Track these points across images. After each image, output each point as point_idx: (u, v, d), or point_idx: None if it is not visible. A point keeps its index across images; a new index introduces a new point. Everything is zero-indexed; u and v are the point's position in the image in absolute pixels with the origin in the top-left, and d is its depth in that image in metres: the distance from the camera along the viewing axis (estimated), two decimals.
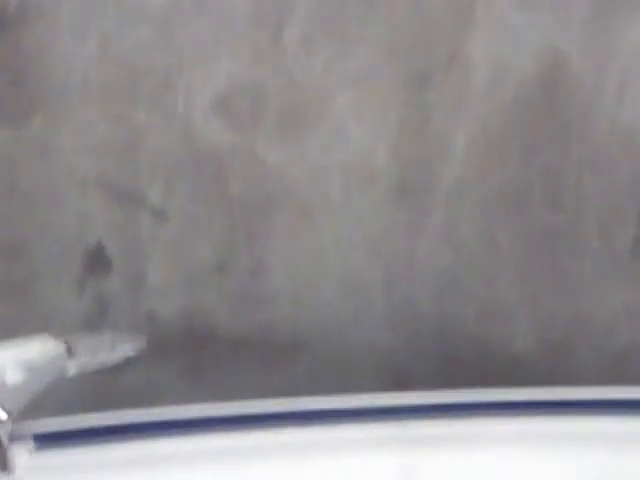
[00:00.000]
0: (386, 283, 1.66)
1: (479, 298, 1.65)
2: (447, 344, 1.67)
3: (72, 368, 1.20)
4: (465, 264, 1.64)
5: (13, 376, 1.13)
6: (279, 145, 1.63)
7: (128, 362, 1.52)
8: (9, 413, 0.89)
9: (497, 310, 1.65)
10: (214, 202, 1.66)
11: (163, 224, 1.70)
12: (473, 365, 1.66)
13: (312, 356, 1.69)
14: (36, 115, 1.66)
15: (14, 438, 0.90)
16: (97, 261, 1.71)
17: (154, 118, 1.65)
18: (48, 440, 0.95)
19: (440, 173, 1.62)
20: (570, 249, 1.61)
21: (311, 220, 1.66)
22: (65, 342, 1.33)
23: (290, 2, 1.62)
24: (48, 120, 1.66)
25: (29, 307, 1.70)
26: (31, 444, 0.92)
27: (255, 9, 1.63)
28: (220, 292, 1.70)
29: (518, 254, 1.63)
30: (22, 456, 0.90)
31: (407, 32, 1.62)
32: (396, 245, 1.66)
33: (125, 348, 1.48)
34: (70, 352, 1.24)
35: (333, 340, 1.68)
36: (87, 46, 1.63)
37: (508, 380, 1.66)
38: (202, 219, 1.67)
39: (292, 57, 1.63)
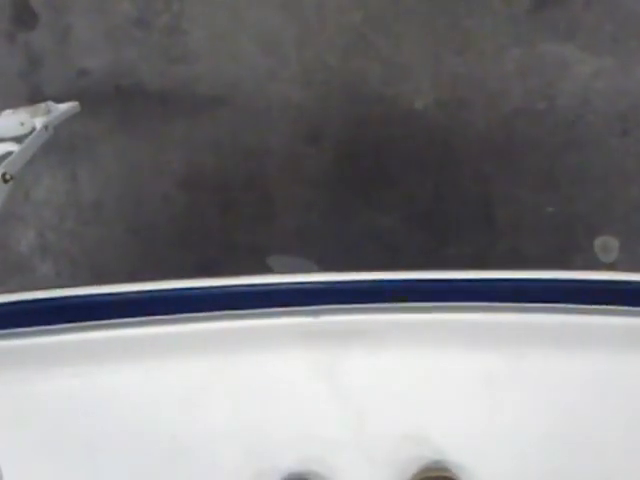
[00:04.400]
0: (298, 40, 1.74)
1: (385, 57, 1.73)
2: (355, 101, 1.78)
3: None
4: (372, 22, 1.70)
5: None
6: None
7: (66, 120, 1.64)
8: None
9: (401, 69, 1.74)
10: None
11: None
12: (378, 121, 1.79)
13: (232, 109, 1.81)
14: None
15: None
16: (23, 15, 1.78)
17: None
18: None
19: None
20: (471, 8, 1.67)
21: None
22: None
23: None
24: None
25: None
26: None
27: None
28: (143, 48, 1.79)
29: (422, 12, 1.69)
30: None
31: None
32: (307, 2, 1.71)
33: (62, 109, 1.59)
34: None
35: (251, 95, 1.80)
36: None
37: (410, 135, 1.81)
38: None
39: None
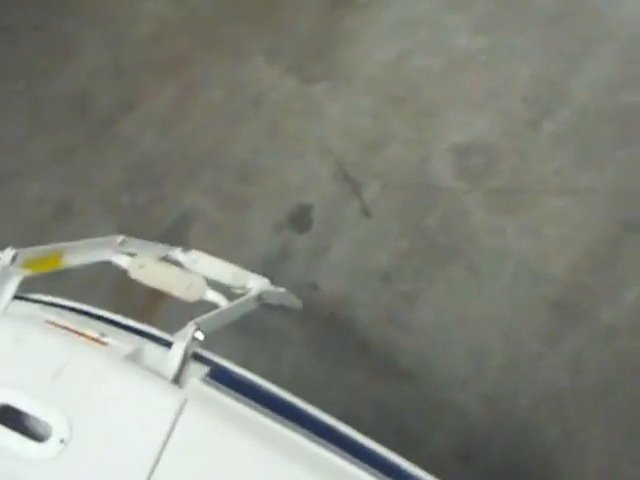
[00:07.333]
0: (504, 365, 1.83)
1: (570, 431, 1.77)
2: (522, 447, 1.80)
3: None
4: (571, 394, 1.78)
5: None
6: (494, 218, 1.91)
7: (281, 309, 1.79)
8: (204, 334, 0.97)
9: (568, 451, 1.75)
10: (411, 227, 1.95)
11: (363, 219, 2.01)
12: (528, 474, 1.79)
13: (416, 388, 1.86)
14: None
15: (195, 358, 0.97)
16: (302, 218, 2.04)
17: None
18: (221, 376, 0.99)
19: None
20: None
21: (475, 286, 1.92)
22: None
23: None
24: None
25: (238, 223, 2.06)
26: (206, 371, 0.98)
27: None
28: (374, 300, 1.96)
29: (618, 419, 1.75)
30: (195, 377, 0.95)
31: None
32: (529, 347, 1.84)
33: (289, 300, 1.75)
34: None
35: (438, 386, 1.86)
36: None
37: None
38: (395, 231, 1.96)
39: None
